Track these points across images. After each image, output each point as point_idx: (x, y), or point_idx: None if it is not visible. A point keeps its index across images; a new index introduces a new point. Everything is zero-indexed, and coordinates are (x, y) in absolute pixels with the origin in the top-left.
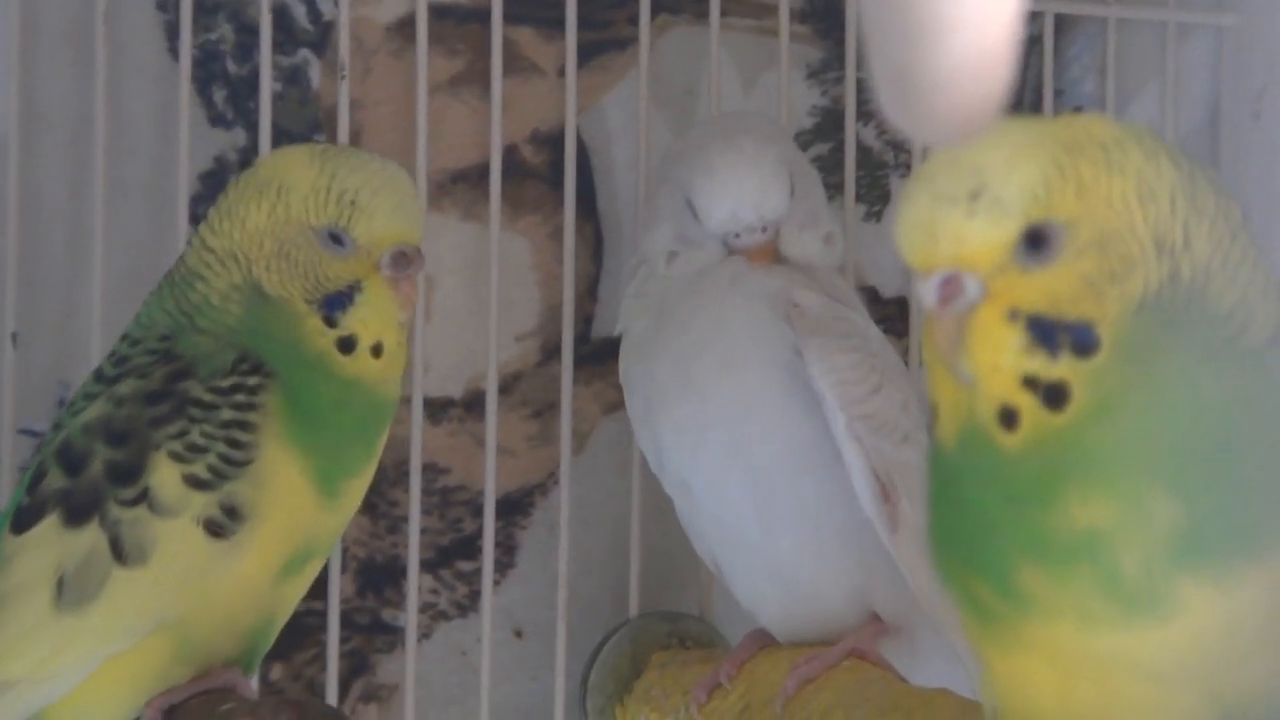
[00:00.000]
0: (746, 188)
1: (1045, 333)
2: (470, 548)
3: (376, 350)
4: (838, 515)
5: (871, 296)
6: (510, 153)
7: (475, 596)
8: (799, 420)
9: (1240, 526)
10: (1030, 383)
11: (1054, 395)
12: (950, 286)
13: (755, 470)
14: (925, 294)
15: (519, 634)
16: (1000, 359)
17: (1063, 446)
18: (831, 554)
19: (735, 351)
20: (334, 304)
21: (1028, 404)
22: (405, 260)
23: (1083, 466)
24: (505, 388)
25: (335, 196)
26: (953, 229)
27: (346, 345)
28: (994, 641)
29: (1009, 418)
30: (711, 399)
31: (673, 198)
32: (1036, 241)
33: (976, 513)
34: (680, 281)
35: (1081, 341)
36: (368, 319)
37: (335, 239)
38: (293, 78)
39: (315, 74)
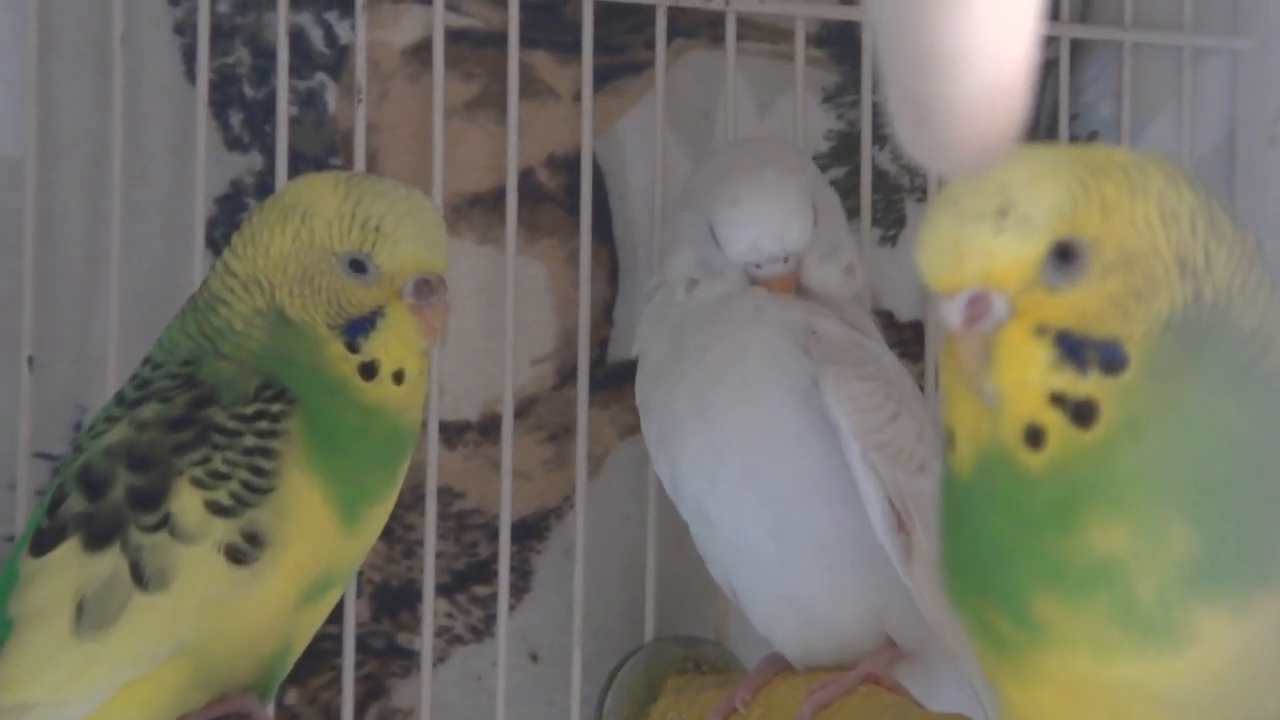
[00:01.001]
0: (769, 219)
1: (1074, 349)
2: (486, 572)
3: (398, 377)
4: (853, 542)
5: (887, 320)
6: (526, 176)
7: (490, 621)
8: (815, 449)
9: (1257, 555)
10: (1058, 400)
11: (1083, 412)
12: (977, 305)
13: (771, 499)
14: (950, 314)
15: (534, 658)
16: (1028, 376)
17: (1088, 466)
18: (847, 580)
19: (752, 381)
20: (356, 329)
21: (1055, 422)
22: (428, 288)
23: (1107, 488)
24: (521, 411)
25: (359, 223)
26: (980, 246)
27: (368, 371)
28: (1009, 671)
29: (1035, 436)
30: (728, 428)
31: (695, 223)
32: (1064, 258)
33: (992, 540)
34: (700, 308)
35: (1110, 359)
36: (389, 345)
37: (358, 265)
38: (309, 101)
39: (332, 98)
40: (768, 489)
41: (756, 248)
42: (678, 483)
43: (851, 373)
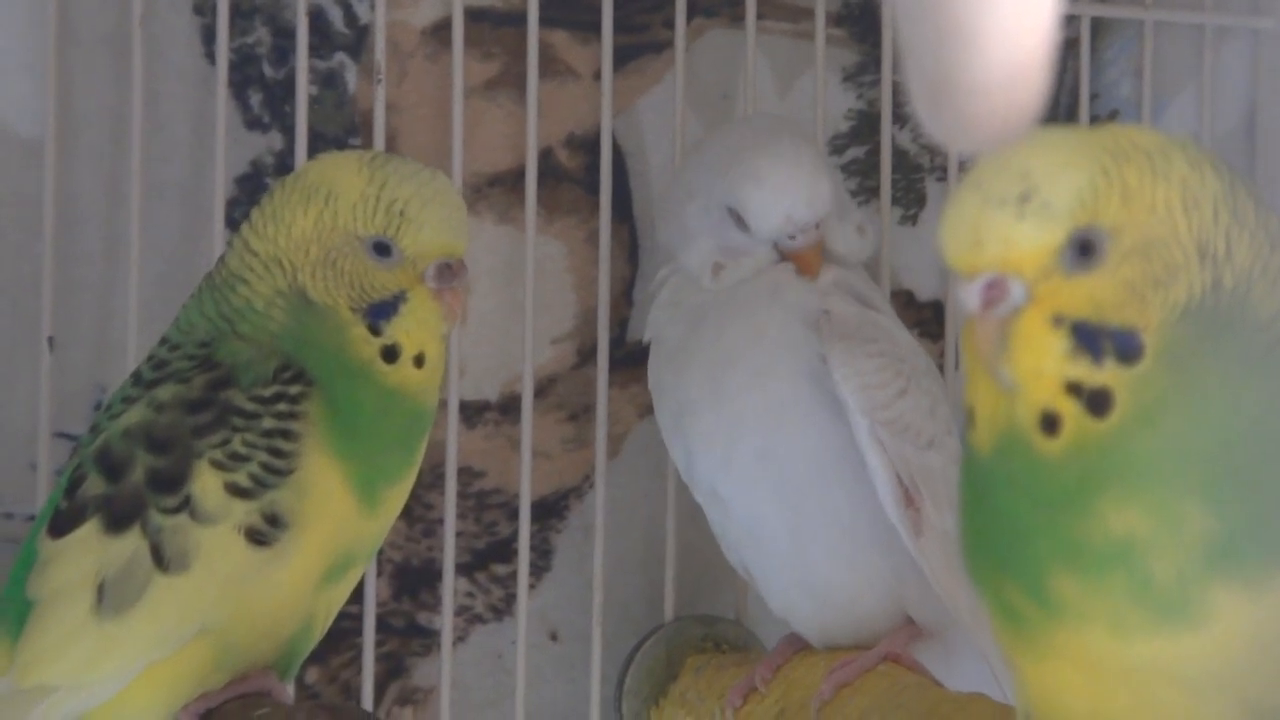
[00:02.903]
0: (799, 188)
1: (1090, 339)
2: (505, 551)
3: (419, 360)
4: (869, 521)
5: (907, 300)
6: (545, 156)
7: (510, 600)
8: (828, 429)
9: (1274, 533)
10: (1074, 389)
11: (1097, 402)
12: (995, 290)
13: (785, 480)
14: (968, 297)
15: (554, 637)
16: (1044, 364)
17: (1103, 453)
18: (863, 560)
19: (766, 362)
20: (379, 313)
21: (1070, 410)
22: (450, 272)
23: (1122, 474)
24: (541, 391)
25: (384, 206)
26: (1000, 231)
27: (390, 354)
28: (1026, 647)
29: (1050, 423)
30: (742, 410)
31: (708, 212)
32: (1083, 247)
33: (1010, 518)
34: (714, 293)
35: (1126, 348)
36: (411, 329)
37: (382, 249)
38: (329, 81)
39: (351, 77)
40: (782, 470)
41: (790, 219)
42: (692, 465)
43: (860, 349)
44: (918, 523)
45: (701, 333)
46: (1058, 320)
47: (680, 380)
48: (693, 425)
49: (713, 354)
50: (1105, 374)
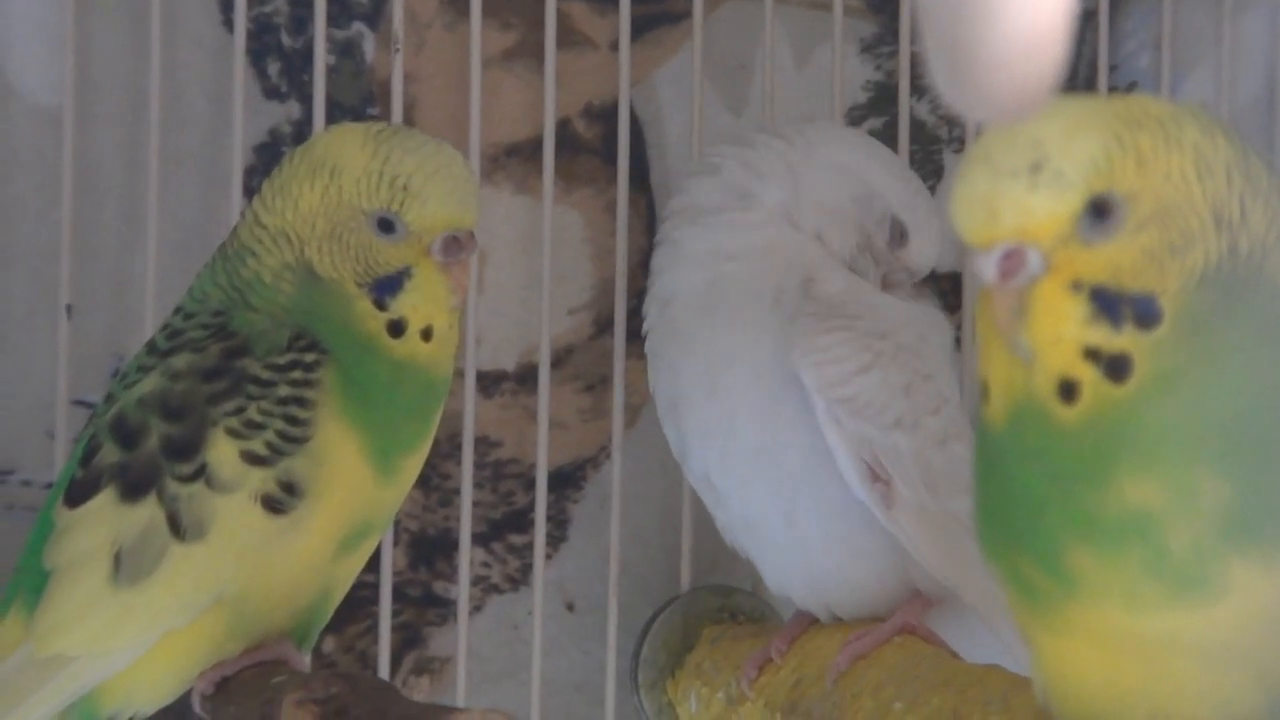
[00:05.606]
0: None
1: (1109, 304)
2: (522, 521)
3: (426, 334)
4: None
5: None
6: (563, 126)
7: (527, 570)
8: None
9: None
10: (1092, 354)
11: (1117, 367)
12: (1012, 260)
13: (782, 473)
14: (985, 269)
15: (570, 607)
16: (1063, 331)
17: (1122, 421)
18: (863, 542)
19: (760, 361)
20: (384, 288)
21: (1089, 376)
22: (457, 246)
23: (1140, 443)
24: (558, 361)
25: (387, 181)
26: (1015, 202)
27: (396, 329)
28: (1042, 622)
29: (1069, 390)
30: (737, 407)
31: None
32: (1099, 213)
33: (1025, 492)
34: (710, 283)
35: (1144, 313)
36: (418, 304)
37: (386, 224)
38: (347, 50)
39: (369, 47)
40: (778, 465)
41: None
42: (686, 453)
43: (821, 325)
44: (888, 496)
45: (697, 323)
46: (1076, 286)
47: (676, 369)
48: (688, 416)
49: (710, 349)
50: (1124, 339)
